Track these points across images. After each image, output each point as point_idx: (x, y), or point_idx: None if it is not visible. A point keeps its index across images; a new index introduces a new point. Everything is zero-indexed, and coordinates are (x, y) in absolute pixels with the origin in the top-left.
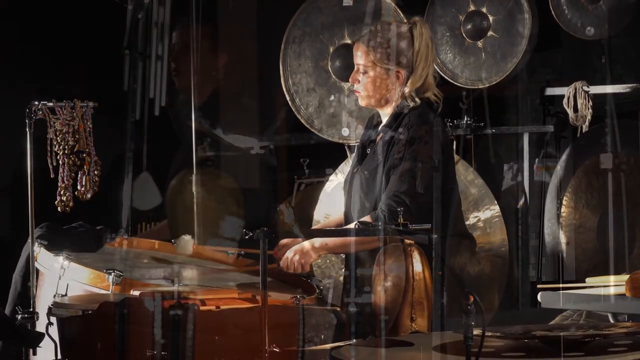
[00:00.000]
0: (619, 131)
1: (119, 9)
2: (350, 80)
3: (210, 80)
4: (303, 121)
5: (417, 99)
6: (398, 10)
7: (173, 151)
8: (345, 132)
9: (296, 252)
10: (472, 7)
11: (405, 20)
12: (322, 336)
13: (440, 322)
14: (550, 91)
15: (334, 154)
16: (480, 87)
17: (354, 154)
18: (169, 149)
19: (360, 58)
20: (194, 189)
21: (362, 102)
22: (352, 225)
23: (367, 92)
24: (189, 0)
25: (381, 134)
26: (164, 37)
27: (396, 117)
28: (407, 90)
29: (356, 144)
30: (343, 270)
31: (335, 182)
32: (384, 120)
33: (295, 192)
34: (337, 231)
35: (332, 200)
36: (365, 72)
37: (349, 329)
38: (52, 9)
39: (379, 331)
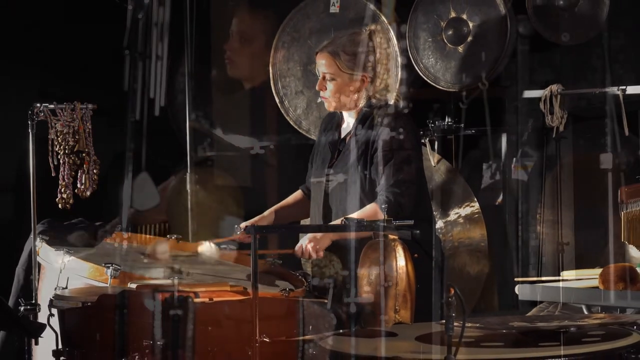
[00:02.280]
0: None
1: (119, 9)
2: (317, 87)
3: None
4: (292, 122)
5: (382, 99)
6: (382, 17)
7: (172, 151)
8: None
9: (310, 239)
10: (453, 14)
11: (368, 28)
12: (310, 327)
13: (440, 317)
14: (528, 94)
15: None
16: (460, 90)
17: (317, 153)
18: (168, 149)
19: (324, 67)
20: (188, 187)
21: (330, 108)
22: (338, 221)
23: (334, 97)
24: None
25: (352, 132)
26: (164, 37)
27: (365, 117)
28: (371, 92)
29: (320, 143)
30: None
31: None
32: (349, 121)
33: None
34: (332, 227)
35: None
36: (332, 79)
37: (339, 321)
38: (53, 10)
39: (365, 323)
